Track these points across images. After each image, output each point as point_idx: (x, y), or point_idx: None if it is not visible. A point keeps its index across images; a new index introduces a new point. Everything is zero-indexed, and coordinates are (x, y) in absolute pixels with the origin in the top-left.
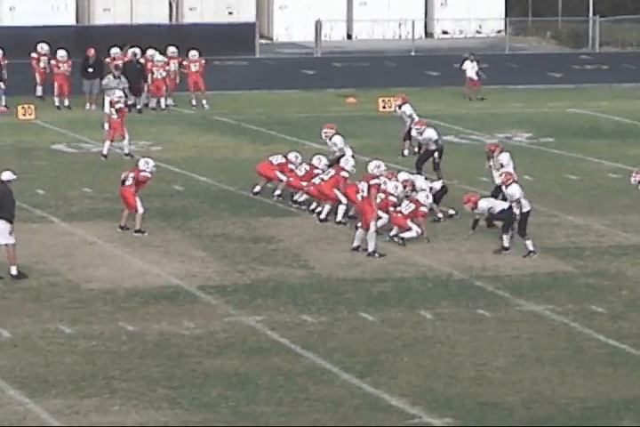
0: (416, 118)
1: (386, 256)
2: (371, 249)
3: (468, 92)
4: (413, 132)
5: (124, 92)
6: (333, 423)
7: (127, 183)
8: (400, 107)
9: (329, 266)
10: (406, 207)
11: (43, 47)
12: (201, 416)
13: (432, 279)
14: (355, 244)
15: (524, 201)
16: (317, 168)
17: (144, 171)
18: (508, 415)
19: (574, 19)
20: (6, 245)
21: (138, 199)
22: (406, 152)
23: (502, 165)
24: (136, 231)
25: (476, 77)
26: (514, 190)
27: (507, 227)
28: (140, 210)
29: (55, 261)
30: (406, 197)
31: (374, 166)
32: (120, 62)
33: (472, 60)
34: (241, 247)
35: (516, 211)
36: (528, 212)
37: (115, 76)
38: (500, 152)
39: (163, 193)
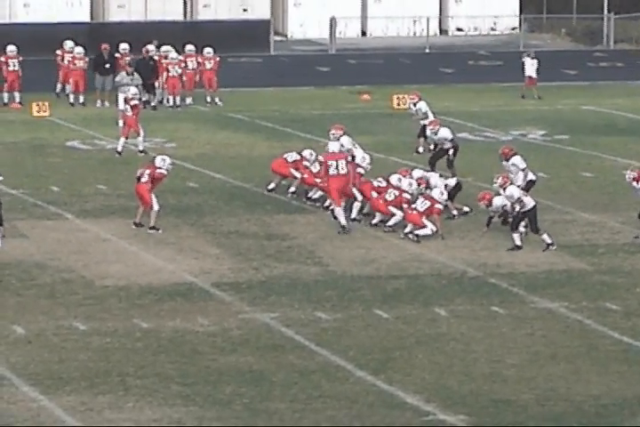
0: (430, 116)
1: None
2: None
3: (524, 90)
4: (428, 132)
5: (137, 89)
6: (348, 420)
7: (143, 180)
8: (415, 104)
9: (343, 263)
10: (422, 204)
11: (67, 44)
12: (215, 413)
13: (446, 276)
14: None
15: (525, 199)
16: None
17: (160, 168)
18: (522, 412)
19: (589, 16)
20: None
21: (153, 196)
22: (421, 149)
23: (518, 168)
24: (150, 228)
25: (535, 75)
26: (512, 191)
27: (514, 225)
28: (156, 207)
29: (69, 257)
30: (420, 194)
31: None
32: (129, 59)
33: (532, 58)
34: (255, 244)
35: (517, 208)
36: (534, 207)
37: (127, 73)
38: (514, 155)
39: (177, 190)
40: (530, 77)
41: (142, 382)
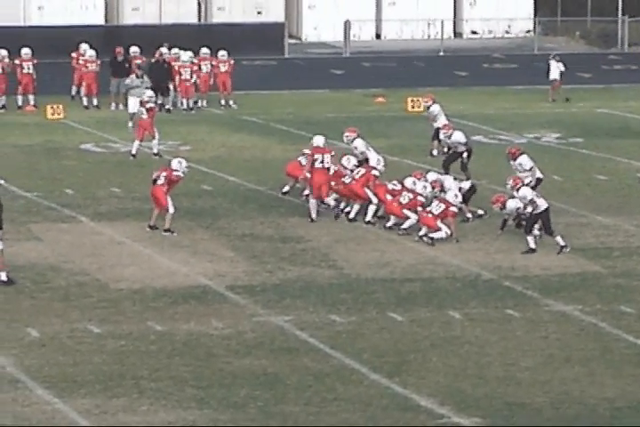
0: (442, 119)
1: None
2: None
3: (551, 94)
4: (441, 136)
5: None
6: (362, 423)
7: (159, 182)
8: (429, 107)
9: (358, 266)
10: (436, 207)
11: (82, 47)
12: (229, 416)
13: (461, 279)
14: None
15: (538, 200)
16: (347, 168)
17: (177, 171)
18: (536, 416)
19: (603, 19)
20: None
21: (169, 199)
22: (435, 152)
23: (524, 168)
24: (165, 231)
25: (559, 78)
26: (524, 193)
27: (528, 228)
28: (171, 210)
29: (84, 260)
30: (435, 197)
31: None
32: (140, 62)
33: (557, 61)
34: (269, 247)
35: (529, 210)
36: (547, 209)
37: (137, 76)
38: (521, 154)
39: (191, 193)
40: (555, 80)
41: (156, 385)
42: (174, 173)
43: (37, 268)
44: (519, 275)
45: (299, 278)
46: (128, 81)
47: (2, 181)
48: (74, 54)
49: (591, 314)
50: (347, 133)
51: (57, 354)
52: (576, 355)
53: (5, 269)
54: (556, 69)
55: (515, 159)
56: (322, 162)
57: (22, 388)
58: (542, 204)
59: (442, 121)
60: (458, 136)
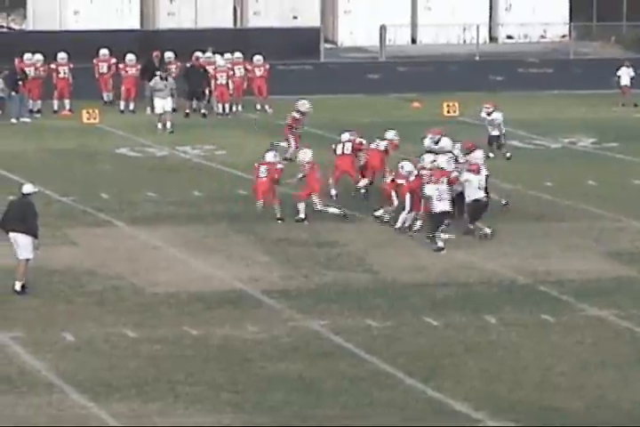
0: (502, 127)
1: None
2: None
3: (622, 99)
4: (427, 141)
5: (171, 95)
6: None
7: (262, 176)
8: (489, 114)
9: (393, 270)
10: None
11: (101, 52)
12: (264, 420)
13: (496, 284)
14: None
15: (471, 191)
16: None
17: (276, 164)
18: (571, 420)
19: (639, 24)
20: (27, 260)
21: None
22: (491, 155)
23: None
24: (278, 219)
25: (629, 84)
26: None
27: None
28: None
29: (119, 265)
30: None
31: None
32: (174, 66)
33: (628, 66)
34: (305, 252)
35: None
36: (477, 200)
37: (161, 78)
38: (475, 150)
39: (227, 197)
40: (625, 86)
41: (192, 389)
42: (277, 167)
43: (73, 272)
44: (554, 279)
45: (334, 283)
46: (152, 83)
47: (35, 189)
48: (100, 61)
49: (626, 319)
50: (430, 135)
51: (92, 358)
52: (611, 360)
53: (23, 279)
54: (626, 75)
55: (468, 154)
56: (343, 149)
57: (57, 392)
58: (474, 195)
59: (501, 129)
60: (445, 142)
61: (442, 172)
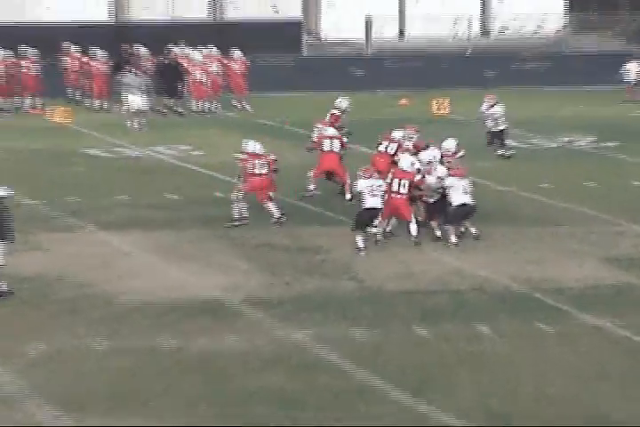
0: (504, 121)
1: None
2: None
3: (628, 95)
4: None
5: (147, 92)
6: None
7: (264, 171)
8: (492, 106)
9: (380, 278)
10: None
11: (71, 48)
12: None
13: (489, 291)
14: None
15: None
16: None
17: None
18: None
19: (638, 17)
20: None
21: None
22: (500, 152)
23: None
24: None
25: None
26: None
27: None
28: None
29: (91, 271)
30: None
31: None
32: (150, 63)
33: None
34: (286, 257)
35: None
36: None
37: (136, 75)
38: (425, 149)
39: (203, 200)
40: (637, 81)
41: (168, 402)
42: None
43: (43, 279)
44: (550, 287)
45: (318, 291)
46: (126, 80)
47: (8, 193)
48: (66, 56)
49: (625, 328)
50: (408, 131)
51: (63, 370)
52: (609, 370)
53: None
54: (635, 71)
55: (416, 153)
56: (331, 146)
57: (27, 405)
58: (460, 199)
59: (504, 123)
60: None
61: (404, 173)
